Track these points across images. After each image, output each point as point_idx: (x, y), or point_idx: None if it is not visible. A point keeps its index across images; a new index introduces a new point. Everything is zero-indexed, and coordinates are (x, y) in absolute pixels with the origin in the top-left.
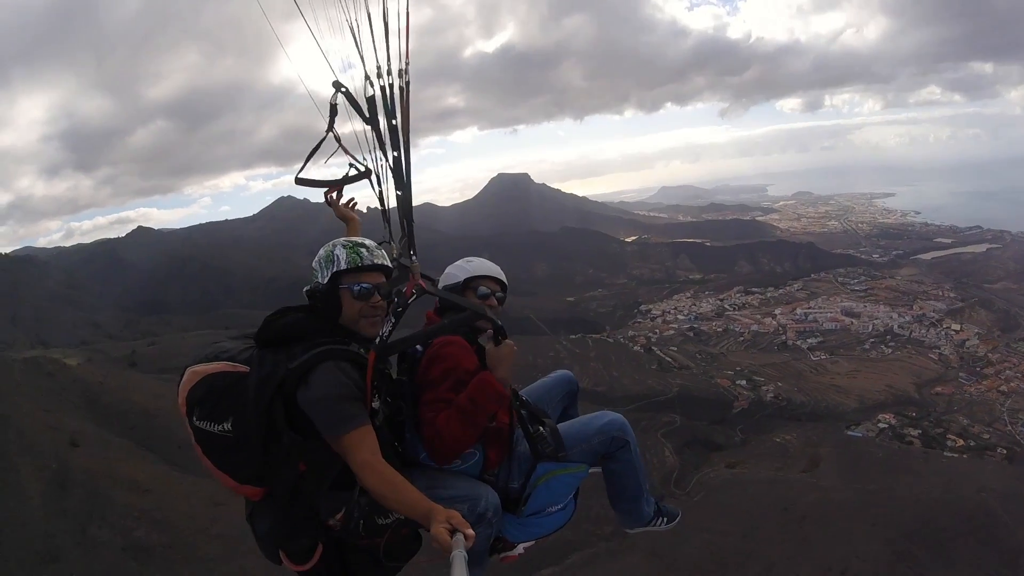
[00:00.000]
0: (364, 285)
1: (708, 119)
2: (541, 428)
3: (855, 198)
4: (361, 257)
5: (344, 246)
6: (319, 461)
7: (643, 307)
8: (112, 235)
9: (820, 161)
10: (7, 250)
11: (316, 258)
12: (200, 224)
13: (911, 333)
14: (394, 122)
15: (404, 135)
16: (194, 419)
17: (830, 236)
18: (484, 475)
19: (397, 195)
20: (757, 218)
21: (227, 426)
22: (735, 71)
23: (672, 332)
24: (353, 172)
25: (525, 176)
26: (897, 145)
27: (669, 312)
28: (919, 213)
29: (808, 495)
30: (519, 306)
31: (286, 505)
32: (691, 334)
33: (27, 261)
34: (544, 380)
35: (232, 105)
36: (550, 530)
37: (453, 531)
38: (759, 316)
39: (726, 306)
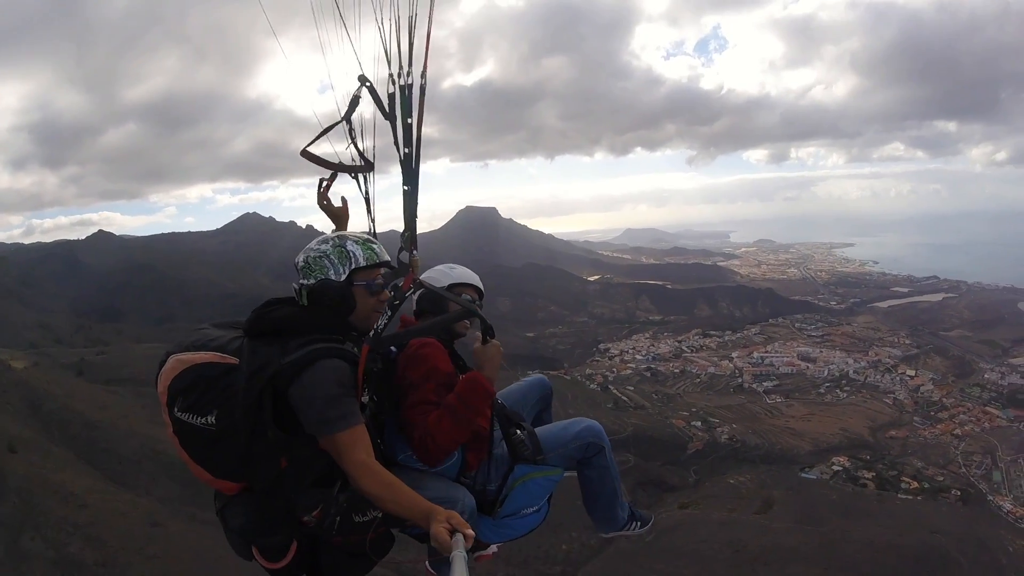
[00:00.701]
0: (380, 282)
1: (676, 166)
2: (520, 431)
3: (815, 247)
4: (376, 253)
5: (356, 242)
6: (301, 458)
7: (602, 346)
8: (73, 236)
9: (783, 211)
10: None
11: (317, 253)
12: (163, 233)
13: (866, 378)
14: (409, 120)
15: (417, 132)
16: (175, 410)
17: (789, 283)
18: (461, 477)
19: (405, 189)
20: (718, 263)
21: (211, 419)
22: (705, 121)
23: (630, 371)
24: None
25: (493, 210)
26: (859, 198)
27: (628, 352)
28: (877, 263)
29: (761, 537)
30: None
31: (263, 501)
32: (648, 374)
33: None
34: (519, 384)
35: (207, 115)
36: (523, 532)
37: (453, 531)
38: (716, 359)
39: (684, 348)
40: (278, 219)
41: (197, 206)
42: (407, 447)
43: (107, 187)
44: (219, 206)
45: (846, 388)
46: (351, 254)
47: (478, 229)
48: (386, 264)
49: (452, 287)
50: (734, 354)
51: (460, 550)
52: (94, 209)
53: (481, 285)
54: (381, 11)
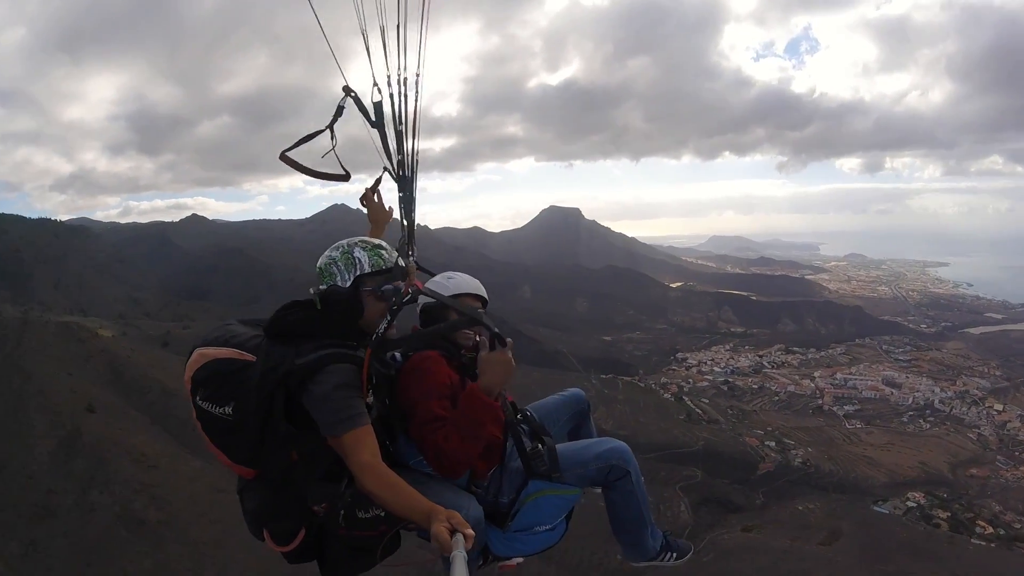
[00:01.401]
0: (389, 287)
1: (765, 172)
2: (540, 446)
3: (908, 265)
4: (383, 260)
5: (363, 248)
6: (310, 453)
7: (680, 355)
8: (167, 219)
9: (875, 224)
10: (64, 218)
11: (327, 260)
12: (254, 220)
13: (951, 410)
14: (400, 128)
15: (414, 134)
16: (197, 398)
17: (879, 302)
18: (472, 486)
19: (401, 196)
20: (807, 276)
21: (228, 410)
22: (796, 126)
23: (706, 384)
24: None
25: (576, 211)
26: (955, 214)
27: (706, 363)
28: (971, 285)
29: (821, 571)
30: (554, 339)
31: (275, 488)
32: (725, 388)
33: (80, 231)
34: (554, 397)
35: (295, 110)
36: (536, 549)
37: (453, 531)
38: (797, 377)
39: (765, 363)
40: (364, 211)
41: (288, 195)
42: (417, 452)
43: (201, 175)
44: (309, 196)
45: (930, 418)
46: (357, 261)
47: (560, 229)
48: (395, 270)
49: (451, 298)
50: (816, 373)
51: (460, 550)
52: (189, 195)
53: (483, 292)
54: (364, 20)
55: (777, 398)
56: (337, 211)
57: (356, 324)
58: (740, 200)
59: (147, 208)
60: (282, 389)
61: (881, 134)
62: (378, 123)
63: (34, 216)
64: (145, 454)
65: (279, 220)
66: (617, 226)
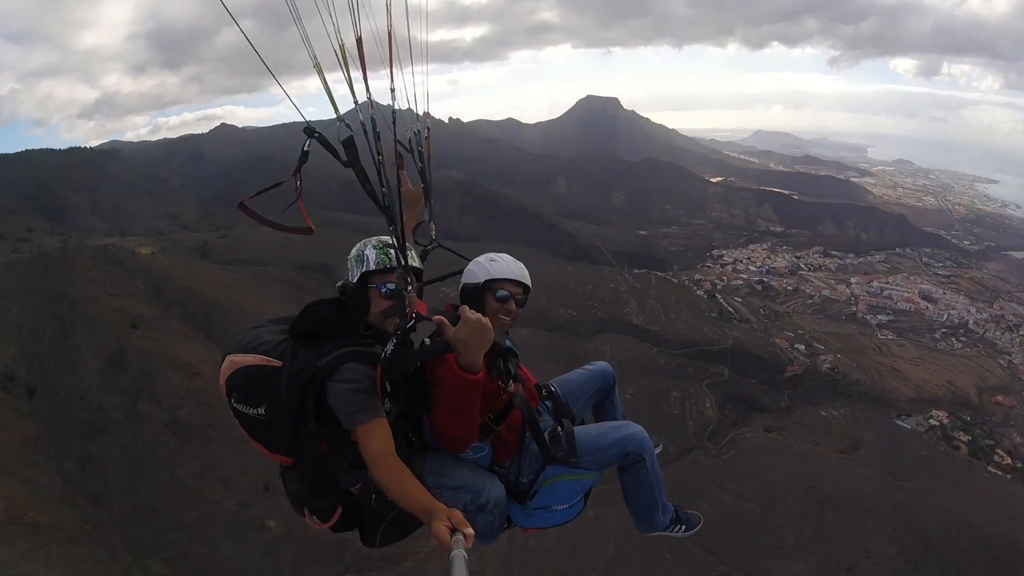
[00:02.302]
0: (390, 286)
1: (816, 66)
2: (559, 428)
3: (957, 177)
4: (390, 258)
5: (375, 247)
6: (338, 445)
7: (716, 252)
8: (197, 131)
9: (927, 131)
10: (94, 144)
11: (349, 256)
12: (284, 124)
13: (985, 332)
14: (380, 157)
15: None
16: (232, 401)
17: (923, 212)
18: (495, 467)
19: (391, 229)
20: (852, 178)
21: (261, 411)
22: (850, 19)
23: (740, 283)
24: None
25: (614, 101)
26: (1011, 131)
27: (741, 261)
28: (1020, 207)
29: (839, 479)
30: (588, 233)
31: (311, 474)
32: (759, 287)
33: (110, 154)
34: (580, 372)
35: (316, 9)
36: (554, 524)
37: (453, 530)
38: (833, 282)
39: (801, 265)
40: (398, 106)
41: (316, 96)
42: None
43: (227, 83)
44: (337, 95)
45: (962, 338)
46: (366, 258)
47: (598, 120)
48: (399, 269)
49: (490, 283)
50: (853, 280)
51: (460, 549)
52: (216, 104)
53: (526, 279)
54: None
55: (811, 301)
56: (366, 108)
57: (364, 319)
58: (788, 95)
59: (176, 123)
60: (311, 391)
61: (940, 37)
62: (351, 163)
63: (64, 147)
64: (188, 363)
65: (309, 122)
66: (657, 117)
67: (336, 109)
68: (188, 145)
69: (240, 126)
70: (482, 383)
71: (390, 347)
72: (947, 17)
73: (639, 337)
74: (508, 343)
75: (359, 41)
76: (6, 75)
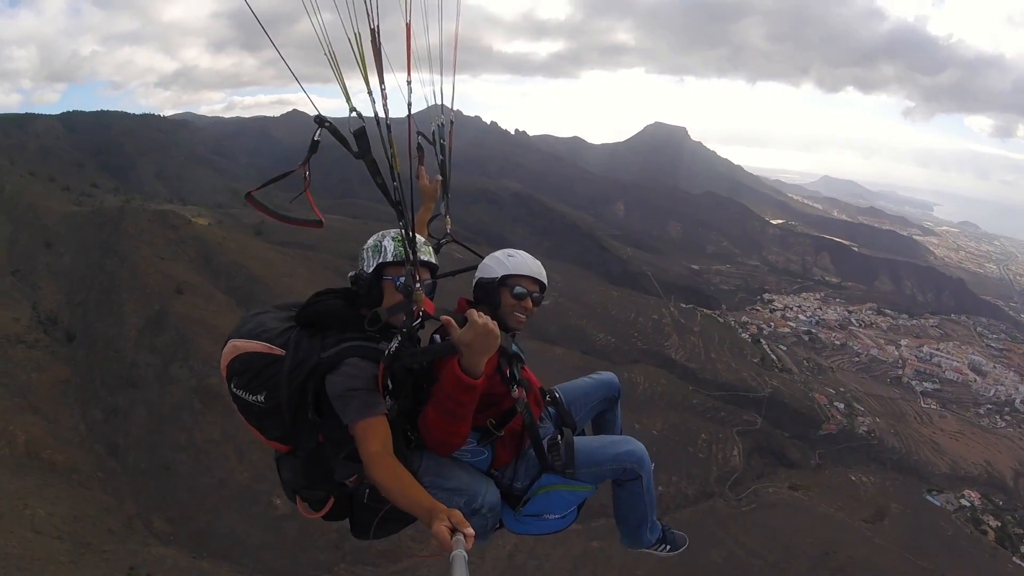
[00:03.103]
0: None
1: (889, 115)
2: (559, 437)
3: (1022, 246)
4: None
5: (393, 239)
6: (335, 437)
7: (767, 296)
8: (269, 114)
9: (997, 194)
10: (168, 113)
11: (365, 246)
12: (354, 116)
13: None
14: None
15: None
16: (232, 386)
17: (983, 279)
18: (492, 471)
19: (401, 224)
20: (915, 236)
21: (260, 398)
22: (929, 70)
23: (787, 330)
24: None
25: (682, 130)
26: None
27: (791, 308)
28: None
29: (856, 548)
30: (640, 260)
31: (306, 463)
32: (806, 338)
33: (182, 124)
34: (586, 380)
35: (394, 8)
36: (545, 532)
37: (454, 531)
38: (883, 341)
39: (853, 320)
40: (464, 112)
41: (391, 93)
42: None
43: (303, 71)
44: (402, 97)
45: (1007, 416)
46: (384, 249)
47: (663, 148)
48: (424, 264)
49: (507, 278)
50: (903, 342)
51: (460, 550)
52: (291, 91)
53: (542, 276)
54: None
55: (857, 359)
56: (438, 111)
57: (375, 310)
58: (860, 141)
59: (251, 103)
60: (311, 382)
61: (1018, 96)
62: (362, 154)
63: (139, 112)
64: (225, 333)
65: (380, 118)
66: (724, 151)
67: (349, 99)
68: (258, 125)
69: (311, 113)
70: (480, 388)
71: (394, 344)
72: None
73: (675, 372)
74: (515, 348)
75: (375, 32)
76: (88, 36)
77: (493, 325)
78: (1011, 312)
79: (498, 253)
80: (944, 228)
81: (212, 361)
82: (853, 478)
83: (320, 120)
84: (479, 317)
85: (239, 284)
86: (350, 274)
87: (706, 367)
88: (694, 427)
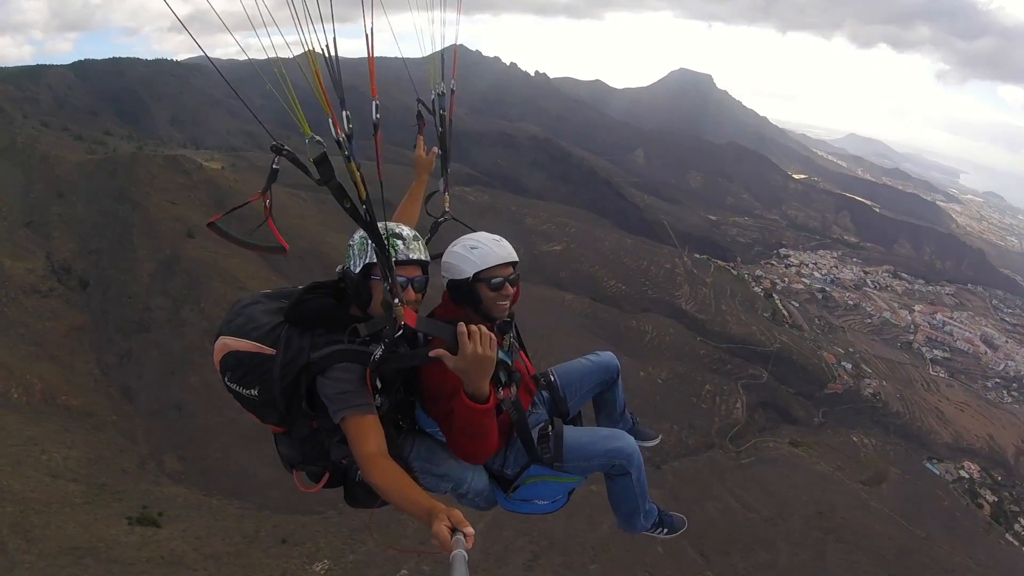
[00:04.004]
0: (403, 279)
1: (921, 76)
2: (550, 428)
3: None
4: (396, 251)
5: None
6: (329, 426)
7: (783, 251)
8: (284, 55)
9: None
10: (182, 57)
11: (350, 242)
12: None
13: None
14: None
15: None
16: (226, 380)
17: (1004, 252)
18: None
19: (373, 245)
20: (938, 202)
21: (253, 392)
22: (966, 35)
23: (801, 287)
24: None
25: (708, 78)
26: None
27: (807, 265)
28: None
29: (851, 510)
30: (657, 208)
31: (302, 443)
32: (820, 296)
33: (195, 68)
34: (584, 362)
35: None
36: (535, 513)
37: (453, 530)
38: (896, 305)
39: (868, 281)
40: (484, 53)
41: (407, 33)
42: (435, 424)
43: (319, 11)
44: (428, 35)
45: (1015, 392)
46: (371, 248)
47: (688, 95)
48: (414, 262)
49: (479, 274)
50: (917, 307)
51: (460, 549)
52: (270, 34)
53: (512, 256)
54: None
55: (869, 321)
56: (436, 57)
57: (366, 311)
58: (888, 101)
59: (267, 45)
60: (302, 378)
61: None
62: (324, 180)
63: (152, 57)
64: (236, 276)
65: (396, 58)
66: (750, 101)
67: (306, 128)
68: (274, 67)
69: (326, 56)
70: (493, 409)
71: (378, 353)
72: None
73: (684, 323)
74: (501, 354)
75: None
76: None
77: (484, 347)
78: None
79: (459, 248)
80: (969, 197)
81: (224, 304)
82: (855, 439)
83: (277, 149)
84: (468, 344)
85: (251, 226)
86: (338, 268)
87: (715, 319)
88: (699, 378)
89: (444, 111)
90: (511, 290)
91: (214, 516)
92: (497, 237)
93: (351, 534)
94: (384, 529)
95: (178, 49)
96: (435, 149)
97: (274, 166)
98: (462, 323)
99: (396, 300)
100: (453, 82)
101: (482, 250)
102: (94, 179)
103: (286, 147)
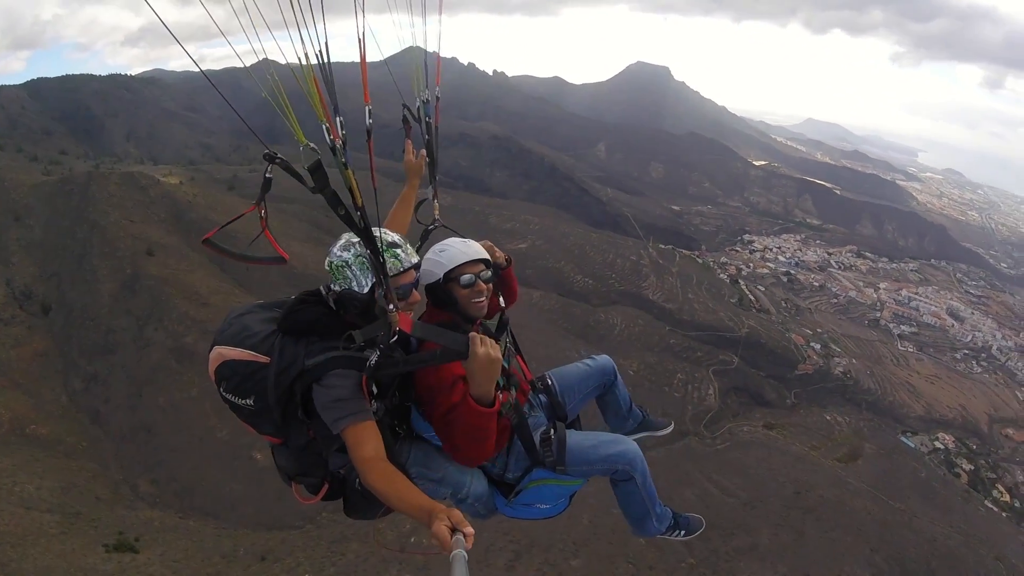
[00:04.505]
0: (406, 285)
1: (877, 60)
2: (552, 432)
3: (1005, 197)
4: (400, 261)
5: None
6: (325, 435)
7: (747, 237)
8: (240, 64)
9: (983, 145)
10: (138, 71)
11: (339, 261)
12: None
13: (1007, 360)
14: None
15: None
16: (221, 389)
17: (965, 226)
18: None
19: (368, 251)
20: (898, 181)
21: (249, 401)
22: (920, 17)
23: (766, 271)
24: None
25: (665, 70)
26: None
27: (771, 250)
28: None
29: (828, 488)
30: (620, 202)
31: (299, 453)
32: (785, 279)
33: (149, 82)
34: (580, 366)
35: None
36: (535, 518)
37: (453, 530)
38: (862, 284)
39: (832, 262)
40: (442, 54)
41: (374, 34)
42: (432, 429)
43: (274, 18)
44: (383, 39)
45: (983, 362)
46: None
47: (647, 88)
48: (413, 267)
49: (449, 274)
50: (882, 285)
51: (460, 549)
52: (263, 39)
53: (482, 253)
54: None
55: (835, 301)
56: (413, 52)
57: (351, 333)
58: (845, 85)
59: (221, 55)
60: (298, 385)
61: (1009, 50)
62: (319, 188)
63: (106, 73)
64: (199, 292)
65: (352, 63)
66: (707, 92)
67: (301, 135)
68: (229, 77)
69: (283, 62)
70: (496, 412)
71: (374, 359)
72: (1019, 30)
73: (653, 313)
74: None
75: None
76: (49, 1)
77: (494, 351)
78: (991, 260)
79: (429, 254)
80: (928, 175)
81: (187, 320)
82: (828, 418)
83: (270, 157)
84: (479, 347)
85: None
86: (329, 291)
87: (683, 308)
88: (670, 367)
89: (430, 118)
90: (483, 287)
91: (191, 538)
92: (466, 239)
93: (330, 546)
94: (364, 540)
95: (133, 63)
96: (423, 152)
97: (267, 175)
98: (473, 333)
99: (391, 306)
100: (438, 89)
101: (449, 252)
102: (51, 201)
103: (279, 155)
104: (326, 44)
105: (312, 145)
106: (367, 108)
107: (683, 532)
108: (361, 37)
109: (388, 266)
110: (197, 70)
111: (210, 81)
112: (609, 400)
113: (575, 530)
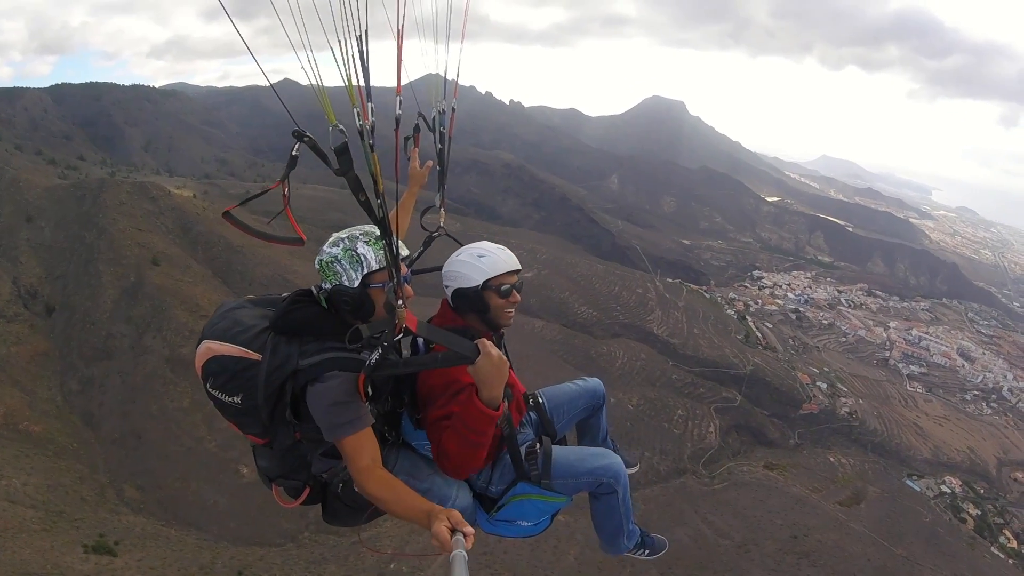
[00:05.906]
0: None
1: (892, 97)
2: (538, 446)
3: (1019, 235)
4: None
5: (366, 243)
6: (312, 437)
7: (757, 273)
8: (263, 83)
9: (998, 182)
10: (161, 83)
11: (329, 257)
12: (344, 87)
13: (1018, 402)
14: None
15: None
16: (208, 386)
17: (978, 265)
18: None
19: (385, 243)
20: (911, 219)
21: (236, 399)
22: (935, 54)
23: (775, 308)
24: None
25: (680, 104)
26: None
27: (781, 287)
28: None
29: (827, 532)
30: (629, 234)
31: (283, 454)
32: (794, 316)
33: (171, 94)
34: (571, 386)
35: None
36: (516, 536)
37: (453, 531)
38: (871, 323)
39: (842, 300)
40: (460, 82)
41: (382, 63)
42: (420, 435)
43: (298, 39)
44: (406, 64)
45: (993, 404)
46: (362, 258)
47: (663, 122)
48: (391, 284)
49: (488, 282)
50: (892, 324)
51: (460, 549)
52: (285, 59)
53: (516, 264)
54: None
55: (844, 340)
56: (429, 80)
57: (367, 321)
58: (861, 122)
59: (246, 72)
60: (289, 387)
61: None
62: (343, 171)
63: (130, 83)
64: (200, 304)
65: (373, 87)
66: (722, 127)
67: (331, 115)
68: (251, 95)
69: (304, 83)
70: (499, 417)
71: (375, 357)
72: None
73: (656, 348)
74: None
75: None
76: (78, 8)
77: (502, 355)
78: (1003, 299)
79: (465, 257)
80: (941, 212)
81: (185, 331)
82: (832, 459)
83: (299, 135)
84: (492, 349)
85: (217, 255)
86: (320, 290)
87: (688, 342)
88: (671, 403)
89: (444, 128)
90: (518, 297)
91: (171, 546)
92: (501, 246)
93: (308, 566)
94: (343, 562)
95: (157, 75)
96: (429, 162)
97: (294, 153)
98: (483, 339)
99: (400, 302)
100: (455, 101)
101: (490, 258)
102: (63, 204)
103: (308, 133)
104: (365, 31)
105: (341, 127)
106: (398, 99)
107: (648, 551)
108: (400, 29)
109: (376, 259)
110: (219, 86)
111: (274, 90)
112: (591, 424)
113: (560, 565)
